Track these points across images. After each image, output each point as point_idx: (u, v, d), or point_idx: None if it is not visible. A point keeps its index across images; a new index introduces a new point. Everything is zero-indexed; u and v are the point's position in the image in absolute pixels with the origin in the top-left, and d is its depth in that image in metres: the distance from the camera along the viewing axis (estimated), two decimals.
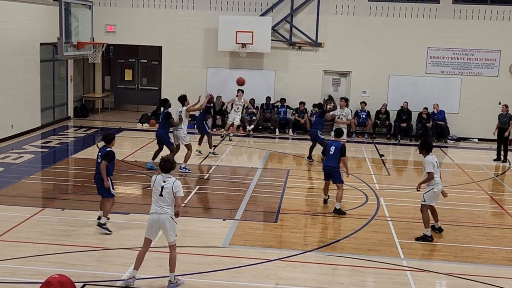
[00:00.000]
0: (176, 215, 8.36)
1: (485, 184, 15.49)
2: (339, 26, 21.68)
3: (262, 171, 15.78)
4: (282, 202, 12.83)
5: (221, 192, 13.82)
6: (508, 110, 18.12)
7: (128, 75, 25.48)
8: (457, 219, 12.13)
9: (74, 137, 19.56)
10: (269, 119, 21.65)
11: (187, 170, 14.98)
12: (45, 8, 19.83)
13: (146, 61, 25.24)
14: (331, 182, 12.52)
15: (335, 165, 12.34)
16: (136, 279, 8.34)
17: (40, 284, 6.47)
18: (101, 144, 10.96)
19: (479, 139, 21.35)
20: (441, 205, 11.87)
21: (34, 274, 8.55)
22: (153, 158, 15.08)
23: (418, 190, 10.97)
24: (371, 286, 8.96)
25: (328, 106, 18.31)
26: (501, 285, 8.93)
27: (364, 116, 21.57)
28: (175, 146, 15.04)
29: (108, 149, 10.44)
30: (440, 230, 11.11)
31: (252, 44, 20.92)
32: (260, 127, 21.75)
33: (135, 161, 16.10)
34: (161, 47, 22.56)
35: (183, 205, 11.70)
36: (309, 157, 16.98)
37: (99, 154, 10.55)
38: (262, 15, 21.68)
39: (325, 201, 12.77)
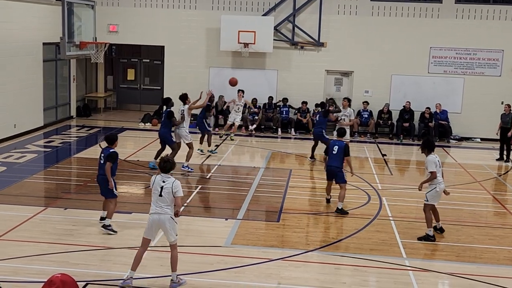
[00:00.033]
0: (176, 215, 8.34)
1: (487, 184, 15.47)
2: (341, 26, 21.66)
3: (264, 170, 15.78)
4: (284, 201, 12.83)
5: (223, 192, 13.83)
6: (510, 110, 18.06)
7: (131, 74, 25.50)
8: (460, 219, 12.12)
9: (76, 137, 19.59)
10: (271, 119, 21.64)
11: (189, 169, 14.99)
12: (47, 8, 19.85)
13: (148, 60, 25.24)
14: (333, 182, 12.52)
15: (338, 165, 12.31)
16: (138, 278, 8.34)
17: (43, 283, 6.47)
18: (104, 144, 10.94)
19: (481, 139, 21.31)
20: (443, 205, 11.88)
21: (36, 273, 8.56)
22: (156, 158, 15.04)
23: (420, 190, 10.96)
24: (374, 286, 8.97)
25: (331, 108, 18.29)
26: (503, 285, 8.92)
27: (366, 115, 21.55)
28: (176, 144, 15.04)
29: (111, 150, 10.42)
30: (441, 230, 11.08)
31: (254, 44, 20.91)
32: (262, 126, 21.75)
33: (138, 160, 16.12)
34: (163, 46, 22.58)
35: (185, 204, 11.76)
36: (312, 156, 16.98)
37: (102, 155, 10.52)
38: (264, 15, 21.68)
39: (328, 201, 12.75)
